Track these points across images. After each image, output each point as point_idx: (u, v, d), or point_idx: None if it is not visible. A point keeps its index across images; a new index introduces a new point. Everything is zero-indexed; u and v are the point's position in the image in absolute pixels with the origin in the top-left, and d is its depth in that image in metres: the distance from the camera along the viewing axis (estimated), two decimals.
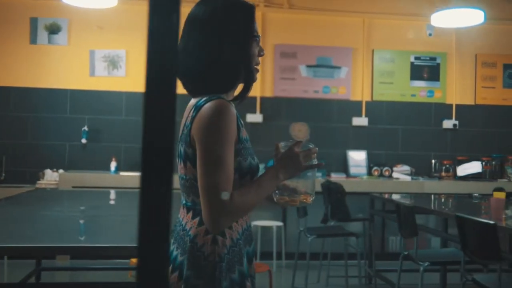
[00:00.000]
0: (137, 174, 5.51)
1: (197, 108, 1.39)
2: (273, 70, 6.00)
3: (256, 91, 5.79)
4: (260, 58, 1.51)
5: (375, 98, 6.13)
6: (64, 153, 5.75)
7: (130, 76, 5.78)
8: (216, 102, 1.37)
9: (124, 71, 5.76)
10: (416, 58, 6.19)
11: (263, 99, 5.97)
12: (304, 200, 1.51)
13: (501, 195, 3.38)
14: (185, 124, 1.43)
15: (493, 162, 6.05)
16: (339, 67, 6.07)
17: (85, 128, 5.68)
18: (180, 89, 1.62)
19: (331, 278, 4.54)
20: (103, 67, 5.75)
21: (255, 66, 1.49)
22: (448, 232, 3.97)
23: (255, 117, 5.86)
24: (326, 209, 4.36)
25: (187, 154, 1.41)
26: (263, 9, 5.91)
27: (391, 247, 5.86)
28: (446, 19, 5.02)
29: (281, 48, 6.01)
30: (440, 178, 5.97)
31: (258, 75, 1.53)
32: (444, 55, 6.22)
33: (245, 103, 1.53)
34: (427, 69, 6.20)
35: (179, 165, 1.46)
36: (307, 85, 6.04)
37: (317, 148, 1.50)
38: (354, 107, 6.11)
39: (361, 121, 6.07)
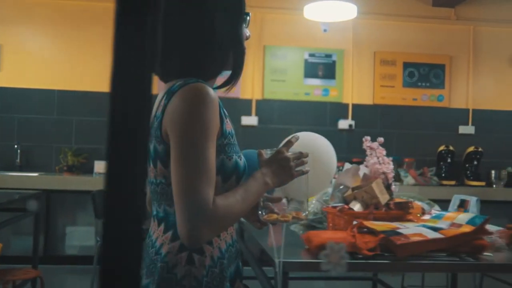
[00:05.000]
0: (10, 174, 5.25)
1: (170, 93, 1.13)
2: None
3: None
4: None
5: (266, 97, 5.87)
6: None
7: (5, 71, 5.50)
8: (194, 86, 1.11)
9: None
10: (310, 55, 5.93)
11: None
12: (297, 216, 1.29)
13: None
14: (155, 116, 1.16)
15: None
16: None
17: None
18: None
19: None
20: None
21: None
22: None
23: None
24: None
25: (157, 152, 1.14)
26: None
27: None
28: (320, 12, 4.77)
29: None
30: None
31: None
32: (340, 52, 5.96)
33: None
34: (322, 67, 5.94)
35: (149, 167, 1.18)
36: None
37: (308, 152, 1.29)
38: (243, 106, 5.85)
39: (250, 120, 5.81)
